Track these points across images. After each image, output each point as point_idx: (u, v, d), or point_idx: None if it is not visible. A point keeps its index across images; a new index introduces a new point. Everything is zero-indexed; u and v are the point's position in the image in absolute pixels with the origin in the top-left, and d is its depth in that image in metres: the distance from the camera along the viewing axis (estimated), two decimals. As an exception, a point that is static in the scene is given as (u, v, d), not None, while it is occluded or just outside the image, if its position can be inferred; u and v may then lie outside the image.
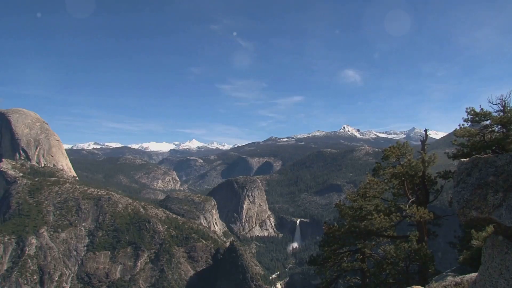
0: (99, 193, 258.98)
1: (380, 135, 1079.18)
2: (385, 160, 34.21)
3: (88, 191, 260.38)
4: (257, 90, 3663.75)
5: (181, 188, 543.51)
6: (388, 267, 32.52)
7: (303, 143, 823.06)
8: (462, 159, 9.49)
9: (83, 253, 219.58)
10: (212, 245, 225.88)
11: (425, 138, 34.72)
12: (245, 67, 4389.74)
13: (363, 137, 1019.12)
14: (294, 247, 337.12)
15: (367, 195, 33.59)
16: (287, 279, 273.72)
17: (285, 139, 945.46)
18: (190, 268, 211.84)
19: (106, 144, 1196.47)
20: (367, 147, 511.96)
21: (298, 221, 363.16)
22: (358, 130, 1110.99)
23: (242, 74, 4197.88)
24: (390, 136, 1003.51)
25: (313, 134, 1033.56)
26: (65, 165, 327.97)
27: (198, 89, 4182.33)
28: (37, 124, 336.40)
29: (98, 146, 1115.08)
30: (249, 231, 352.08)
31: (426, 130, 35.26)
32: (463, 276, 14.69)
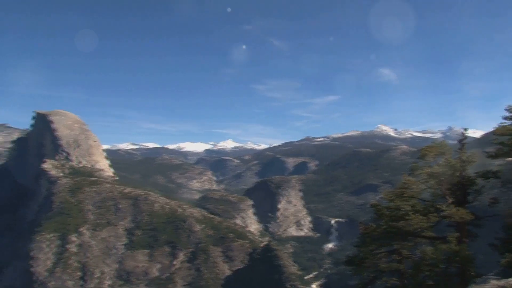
0: (137, 192, 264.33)
1: (417, 134, 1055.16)
2: (422, 160, 33.54)
3: (126, 191, 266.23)
4: (291, 90, 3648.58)
5: (217, 188, 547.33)
6: (427, 268, 31.46)
7: (338, 142, 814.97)
8: (508, 159, 9.28)
9: (121, 251, 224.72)
10: (248, 244, 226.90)
11: (463, 137, 33.92)
12: (280, 67, 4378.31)
13: (399, 136, 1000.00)
14: (330, 247, 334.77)
15: (404, 195, 33.06)
16: (324, 279, 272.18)
17: (320, 139, 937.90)
18: (226, 268, 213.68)
19: (143, 144, 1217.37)
20: (404, 147, 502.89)
21: (334, 221, 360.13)
22: (394, 129, 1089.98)
23: (276, 74, 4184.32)
24: (427, 135, 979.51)
25: (349, 134, 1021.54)
26: (104, 165, 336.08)
27: (233, 89, 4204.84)
28: (77, 125, 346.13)
29: (135, 147, 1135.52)
30: (284, 231, 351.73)
31: (464, 129, 34.47)
32: (506, 280, 14.25)
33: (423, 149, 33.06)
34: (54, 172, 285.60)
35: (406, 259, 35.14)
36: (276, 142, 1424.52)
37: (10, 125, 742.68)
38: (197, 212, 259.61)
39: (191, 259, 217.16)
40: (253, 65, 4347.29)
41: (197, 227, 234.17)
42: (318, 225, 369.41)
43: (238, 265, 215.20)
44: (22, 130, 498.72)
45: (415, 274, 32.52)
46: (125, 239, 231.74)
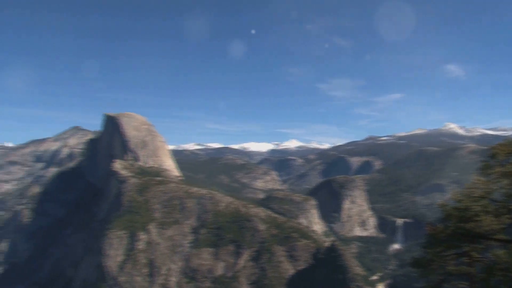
0: (202, 192, 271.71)
1: (487, 132, 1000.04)
2: (493, 159, 32.70)
3: (192, 190, 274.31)
4: (355, 89, 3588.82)
5: (281, 188, 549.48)
6: (500, 273, 29.14)
7: (403, 141, 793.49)
8: None
9: (187, 250, 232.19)
10: (312, 244, 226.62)
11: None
12: (343, 65, 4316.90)
13: (468, 134, 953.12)
14: (395, 248, 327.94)
15: (474, 195, 32.15)
16: (389, 281, 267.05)
17: (384, 138, 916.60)
18: (290, 267, 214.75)
19: (208, 144, 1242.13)
20: (472, 145, 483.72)
21: (399, 222, 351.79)
22: (463, 127, 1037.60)
23: (340, 72, 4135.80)
24: (498, 133, 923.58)
25: (414, 132, 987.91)
26: (170, 165, 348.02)
27: (297, 89, 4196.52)
28: (144, 126, 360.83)
29: (200, 147, 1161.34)
30: (349, 231, 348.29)
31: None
32: None
33: (494, 147, 31.87)
34: (123, 172, 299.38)
35: (477, 262, 33.73)
36: (340, 142, 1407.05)
37: (83, 127, 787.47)
38: (261, 211, 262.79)
39: (255, 258, 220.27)
40: (316, 64, 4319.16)
41: (261, 226, 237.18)
42: (383, 225, 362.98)
43: (302, 265, 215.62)
44: (93, 132, 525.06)
45: (486, 278, 30.93)
46: (190, 237, 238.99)
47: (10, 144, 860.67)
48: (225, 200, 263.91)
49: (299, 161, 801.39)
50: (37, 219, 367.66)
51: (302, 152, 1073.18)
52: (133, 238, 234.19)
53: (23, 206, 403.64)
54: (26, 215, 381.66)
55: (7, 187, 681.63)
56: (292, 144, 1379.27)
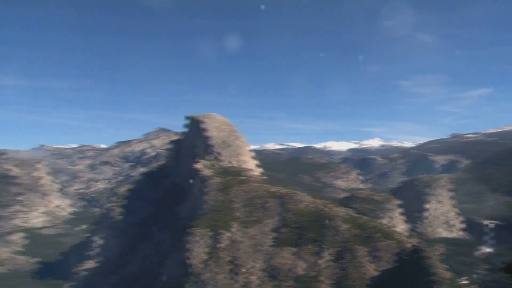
0: (283, 191, 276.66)
1: None
2: None
3: (273, 190, 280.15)
4: (438, 85, 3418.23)
5: (363, 187, 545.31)
6: None
7: (492, 138, 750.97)
8: None
9: (269, 248, 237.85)
10: (395, 245, 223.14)
11: None
12: (425, 61, 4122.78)
13: None
14: (484, 251, 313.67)
15: None
16: (478, 286, 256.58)
17: (471, 135, 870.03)
18: (372, 268, 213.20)
19: (289, 144, 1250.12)
20: None
21: (488, 223, 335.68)
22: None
23: (422, 69, 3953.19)
24: None
25: (504, 129, 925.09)
26: (251, 165, 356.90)
27: (377, 86, 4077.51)
28: (226, 127, 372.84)
29: (281, 147, 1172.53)
30: (433, 232, 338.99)
31: None
32: None
33: None
34: (206, 172, 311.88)
35: None
36: (423, 140, 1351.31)
37: (167, 129, 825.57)
38: (342, 211, 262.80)
39: (337, 258, 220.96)
40: (397, 61, 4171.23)
41: (343, 226, 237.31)
42: (470, 226, 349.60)
43: (384, 266, 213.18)
44: (177, 133, 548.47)
45: None
46: (272, 236, 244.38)
47: (101, 146, 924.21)
48: (306, 199, 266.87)
49: (381, 160, 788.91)
50: (126, 216, 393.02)
51: (383, 151, 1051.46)
52: (216, 236, 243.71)
53: (113, 204, 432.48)
54: (117, 213, 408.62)
55: (99, 186, 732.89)
56: (373, 142, 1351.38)
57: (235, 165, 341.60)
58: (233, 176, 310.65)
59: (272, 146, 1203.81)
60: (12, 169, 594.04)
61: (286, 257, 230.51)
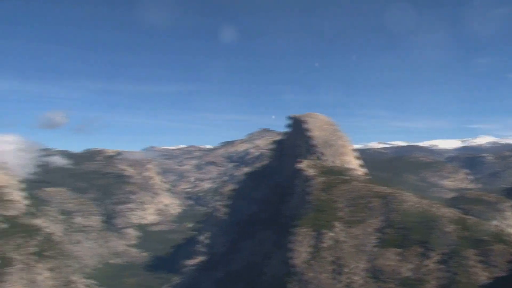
0: (387, 191, 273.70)
1: None
2: None
3: (377, 189, 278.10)
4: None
5: (472, 187, 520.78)
6: None
7: None
8: None
9: (372, 249, 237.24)
10: (510, 250, 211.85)
11: None
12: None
13: None
14: None
15: None
16: None
17: None
18: (483, 273, 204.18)
19: (393, 143, 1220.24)
20: None
21: None
22: None
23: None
24: None
25: None
26: (354, 164, 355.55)
27: (488, 81, 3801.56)
28: (328, 126, 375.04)
29: (385, 145, 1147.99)
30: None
31: None
32: None
33: None
34: (309, 171, 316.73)
35: None
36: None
37: (270, 129, 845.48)
38: (450, 212, 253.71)
39: (444, 261, 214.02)
40: (509, 52, 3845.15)
41: (450, 228, 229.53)
42: None
43: (497, 272, 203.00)
44: (279, 133, 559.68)
45: None
46: (376, 236, 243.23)
47: (206, 146, 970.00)
48: (411, 199, 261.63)
49: (492, 158, 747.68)
50: (231, 215, 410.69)
51: (495, 149, 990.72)
52: (319, 235, 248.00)
53: (219, 203, 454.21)
54: (222, 211, 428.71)
55: (205, 185, 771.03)
56: (483, 140, 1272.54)
57: (337, 164, 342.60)
58: (336, 175, 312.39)
59: (375, 145, 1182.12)
60: (126, 169, 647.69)
61: (390, 259, 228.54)
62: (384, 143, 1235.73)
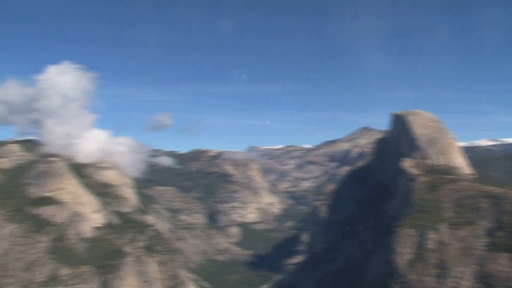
0: (498, 191, 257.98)
1: None
2: None
3: (486, 189, 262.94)
4: None
5: None
6: None
7: None
8: None
9: (481, 253, 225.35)
10: None
11: None
12: None
13: None
14: None
15: None
16: None
17: None
18: None
19: (503, 139, 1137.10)
20: None
21: None
22: None
23: None
24: None
25: None
26: (460, 163, 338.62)
27: None
28: (432, 123, 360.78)
29: (495, 142, 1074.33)
30: None
31: None
32: None
33: None
34: (412, 170, 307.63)
35: None
36: None
37: (371, 128, 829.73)
38: None
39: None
40: None
41: None
42: None
43: None
44: (381, 131, 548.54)
45: None
46: (485, 240, 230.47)
47: (307, 146, 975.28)
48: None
49: None
50: (332, 214, 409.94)
51: None
52: (422, 236, 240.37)
53: (320, 202, 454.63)
54: (323, 210, 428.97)
55: (306, 184, 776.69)
56: None
57: (442, 163, 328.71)
58: (441, 174, 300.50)
59: (484, 142, 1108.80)
60: (229, 169, 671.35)
61: (502, 264, 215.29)
62: (494, 140, 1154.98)
